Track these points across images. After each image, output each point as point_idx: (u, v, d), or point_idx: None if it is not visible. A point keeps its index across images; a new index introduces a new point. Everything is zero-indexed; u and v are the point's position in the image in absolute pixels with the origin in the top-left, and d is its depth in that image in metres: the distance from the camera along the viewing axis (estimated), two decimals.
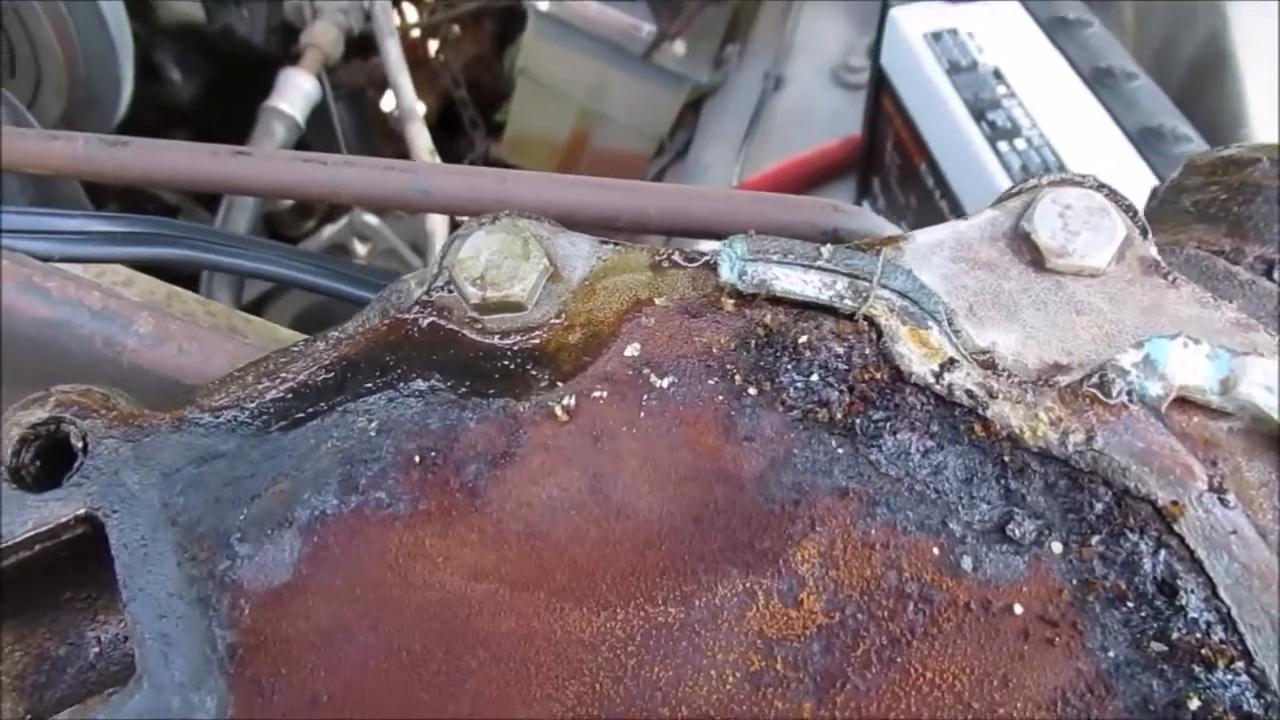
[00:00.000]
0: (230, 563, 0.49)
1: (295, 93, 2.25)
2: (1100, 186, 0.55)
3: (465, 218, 0.70)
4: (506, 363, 0.53)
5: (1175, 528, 0.46)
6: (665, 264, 0.55)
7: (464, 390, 0.52)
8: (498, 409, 0.51)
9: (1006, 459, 0.48)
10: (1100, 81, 1.42)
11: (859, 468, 0.49)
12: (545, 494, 0.49)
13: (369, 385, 0.53)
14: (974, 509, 0.48)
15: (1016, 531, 0.47)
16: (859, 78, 2.15)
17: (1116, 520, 0.47)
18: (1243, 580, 0.45)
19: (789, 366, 0.51)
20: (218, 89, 2.49)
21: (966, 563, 0.47)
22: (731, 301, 0.53)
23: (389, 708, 0.46)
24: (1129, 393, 0.49)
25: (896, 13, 1.65)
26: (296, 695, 0.47)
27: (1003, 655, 0.45)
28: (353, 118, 2.73)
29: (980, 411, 0.49)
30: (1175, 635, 0.44)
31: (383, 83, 2.69)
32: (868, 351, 0.51)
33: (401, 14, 3.05)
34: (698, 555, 0.48)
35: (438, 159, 2.24)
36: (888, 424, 0.50)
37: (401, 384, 0.53)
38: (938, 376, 0.50)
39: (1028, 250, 0.54)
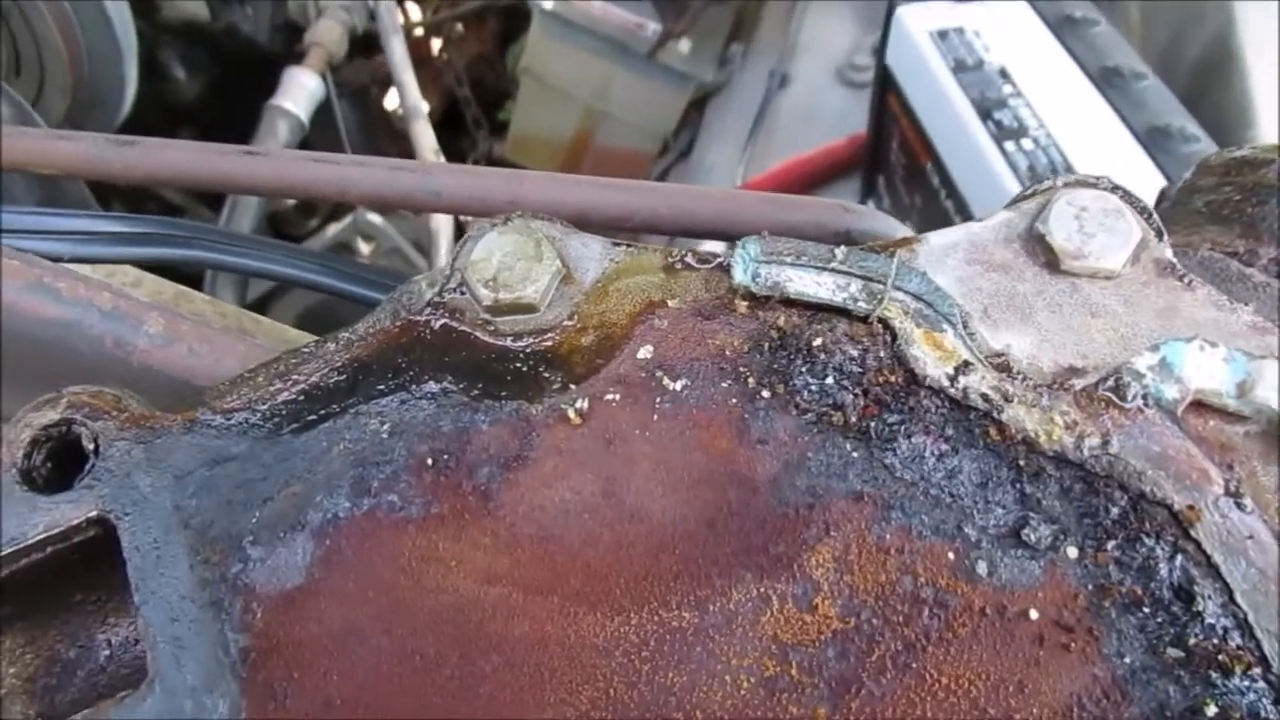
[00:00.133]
0: (243, 565, 0.49)
1: (299, 91, 2.25)
2: (1115, 188, 0.54)
3: (471, 218, 0.70)
4: (519, 365, 0.53)
5: (1192, 533, 0.46)
6: (678, 266, 0.55)
7: (476, 392, 0.52)
8: (510, 411, 0.51)
9: (1022, 463, 0.48)
10: (1108, 81, 1.42)
11: (873, 471, 0.49)
12: (558, 497, 0.49)
13: (381, 387, 0.53)
14: (989, 513, 0.48)
15: (1032, 536, 0.47)
16: (864, 76, 2.15)
17: (1132, 525, 0.46)
18: (1259, 585, 0.45)
19: (803, 369, 0.51)
20: (222, 87, 2.49)
21: (982, 567, 0.46)
22: (745, 304, 0.53)
23: (402, 712, 0.46)
24: (1145, 396, 0.49)
25: (902, 11, 1.64)
26: (309, 699, 0.46)
27: (1018, 661, 0.45)
28: (357, 116, 2.73)
29: (995, 415, 0.49)
30: (1192, 641, 0.44)
31: (386, 81, 2.69)
32: (882, 354, 0.51)
33: (405, 12, 3.04)
34: (712, 559, 0.48)
35: (442, 158, 2.24)
36: (902, 427, 0.49)
37: (414, 386, 0.52)
38: (952, 380, 0.50)
39: (1042, 252, 0.53)
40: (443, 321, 0.54)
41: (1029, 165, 1.38)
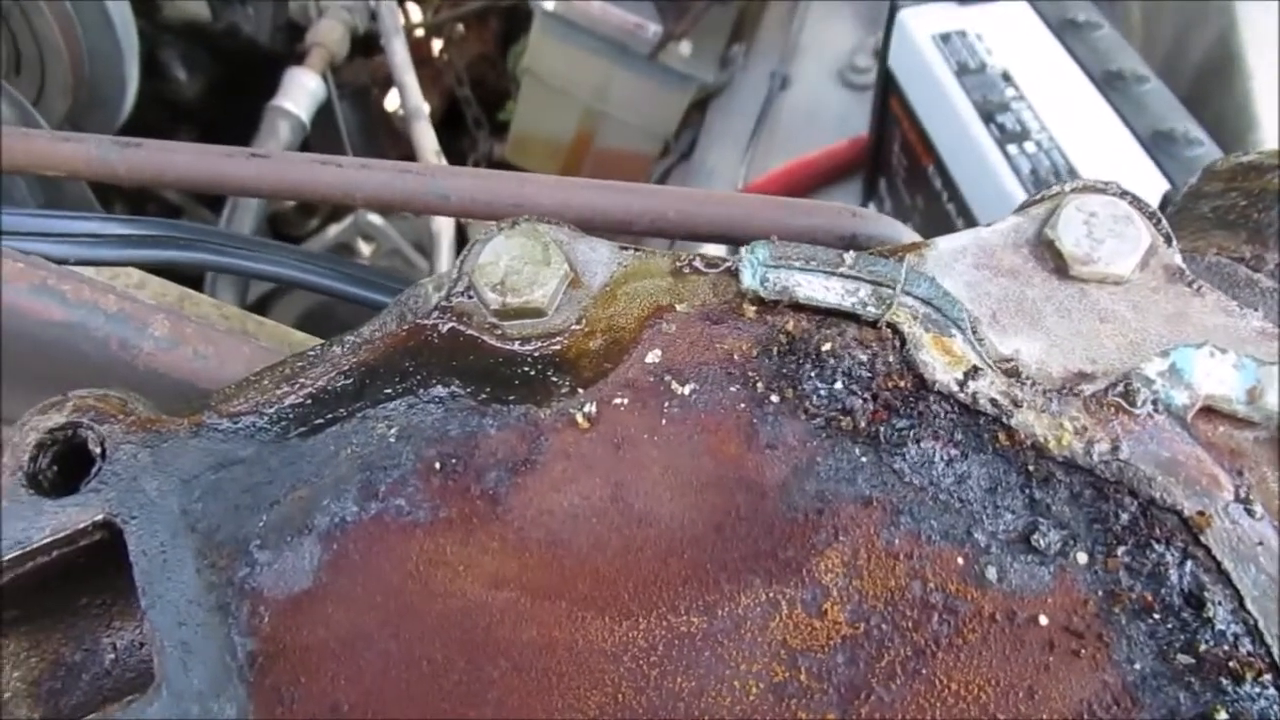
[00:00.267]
0: (250, 570, 0.49)
1: (300, 92, 2.25)
2: (1124, 193, 0.54)
3: (472, 220, 0.70)
4: (527, 369, 0.53)
5: (1202, 539, 0.46)
6: (686, 270, 0.55)
7: (484, 397, 0.52)
8: (518, 416, 0.51)
9: (1031, 468, 0.48)
10: (1110, 84, 1.42)
11: (883, 476, 0.49)
12: (566, 502, 0.49)
13: (388, 391, 0.53)
14: (998, 519, 0.47)
15: (1041, 542, 0.47)
16: (865, 78, 2.15)
17: (1142, 531, 0.46)
18: (1270, 592, 0.45)
19: (812, 374, 0.51)
20: (223, 88, 2.49)
21: (991, 573, 0.46)
22: (753, 308, 0.53)
23: (409, 717, 0.46)
24: (1154, 402, 0.49)
25: (905, 14, 1.64)
26: (316, 704, 0.46)
27: (1028, 667, 0.45)
28: (357, 117, 2.73)
29: (1004, 420, 0.49)
30: (1202, 647, 0.44)
31: (387, 82, 2.69)
32: (891, 359, 0.51)
33: (405, 13, 3.04)
34: (720, 564, 0.48)
35: (443, 159, 2.23)
36: (911, 432, 0.49)
37: (421, 390, 0.52)
38: (962, 385, 0.50)
39: (1051, 257, 0.53)
40: (450, 325, 0.54)
41: (1031, 169, 1.38)
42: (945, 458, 0.49)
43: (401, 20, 2.63)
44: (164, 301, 0.75)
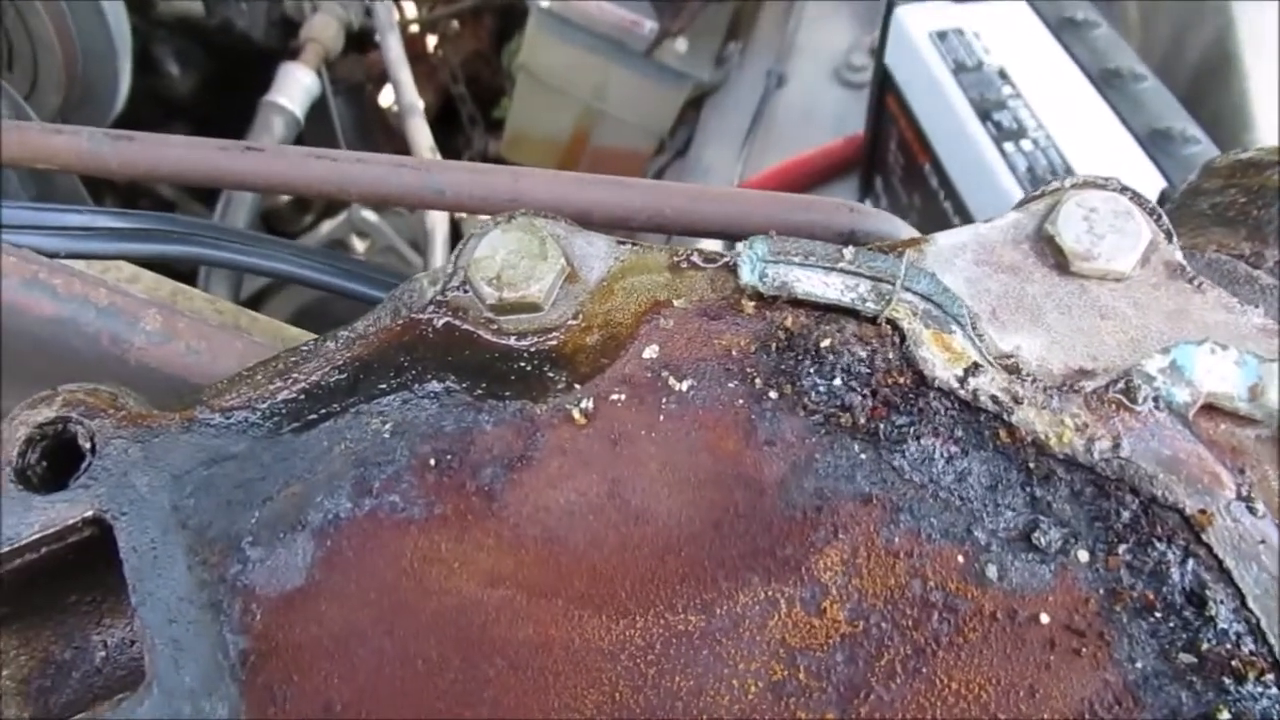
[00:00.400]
0: (242, 567, 0.48)
1: (295, 87, 2.23)
2: (1125, 189, 0.54)
3: (466, 215, 0.69)
4: (523, 364, 0.52)
5: (1203, 537, 0.45)
6: (684, 265, 0.54)
7: (480, 392, 0.51)
8: (514, 411, 0.51)
9: (1032, 465, 0.48)
10: (1108, 83, 1.42)
11: (882, 473, 0.48)
12: (563, 498, 0.49)
13: (383, 386, 0.52)
14: (999, 516, 0.47)
15: (1042, 539, 0.46)
16: (861, 76, 2.14)
17: (1144, 529, 0.46)
18: (1272, 591, 0.45)
19: (811, 370, 0.50)
20: (216, 83, 2.47)
21: (992, 571, 0.46)
22: (752, 304, 0.52)
23: (403, 716, 0.45)
24: (1156, 399, 0.48)
25: (901, 11, 1.64)
26: (309, 702, 0.46)
27: (1029, 665, 0.44)
28: (352, 113, 2.72)
29: (1005, 417, 0.48)
30: (1204, 646, 0.44)
31: (382, 78, 2.67)
32: (891, 355, 0.50)
33: (400, 9, 3.03)
34: (718, 562, 0.47)
35: (438, 155, 2.22)
36: (911, 429, 0.49)
37: (416, 385, 0.52)
38: (962, 381, 0.49)
39: (1052, 253, 0.53)
40: (445, 320, 0.53)
41: (1028, 167, 1.38)
42: (945, 455, 0.48)
43: (396, 16, 2.62)
44: (156, 296, 0.74)
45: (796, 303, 0.52)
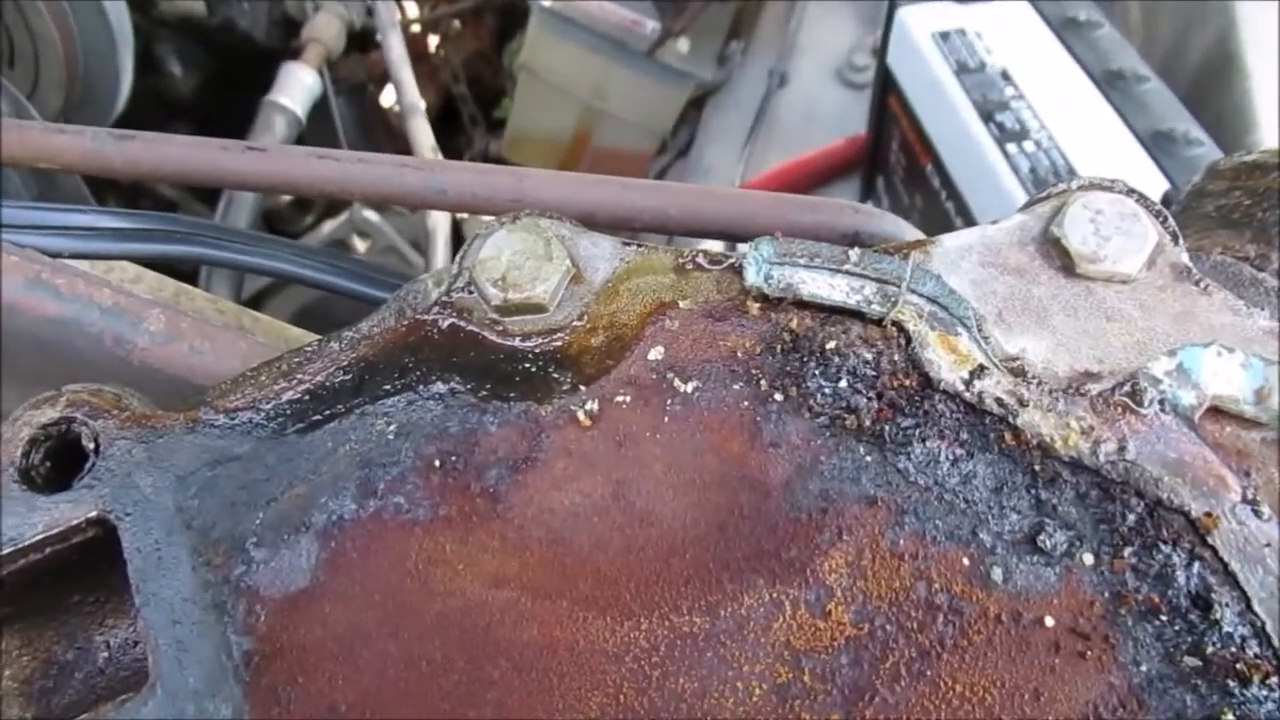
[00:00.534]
0: (246, 568, 0.48)
1: (296, 87, 2.24)
2: (1131, 191, 0.54)
3: (466, 215, 0.69)
4: (528, 365, 0.52)
5: (1209, 540, 0.45)
6: (689, 266, 0.54)
7: (484, 393, 0.51)
8: (519, 413, 0.51)
9: (1037, 468, 0.48)
10: (1111, 84, 1.42)
11: (887, 476, 0.48)
12: (568, 500, 0.49)
13: (387, 387, 0.52)
14: (1004, 519, 0.47)
15: (1047, 542, 0.46)
16: (863, 77, 2.15)
17: (1149, 532, 0.46)
18: (1277, 594, 0.45)
19: (816, 372, 0.50)
20: (218, 83, 2.47)
21: (997, 574, 0.46)
22: (757, 305, 0.52)
23: (408, 717, 0.45)
24: (1161, 402, 0.48)
25: (904, 12, 1.64)
26: (313, 704, 0.46)
27: (1034, 668, 0.44)
28: (353, 112, 2.72)
29: (1010, 420, 0.48)
30: (1209, 650, 0.44)
31: (384, 78, 2.67)
32: (896, 358, 0.50)
33: (402, 9, 3.03)
34: (723, 564, 0.47)
35: (440, 155, 2.22)
36: (917, 431, 0.49)
37: (421, 386, 0.52)
38: (967, 384, 0.49)
39: (1058, 256, 0.53)
40: (450, 321, 0.53)
41: (1031, 168, 1.38)
42: (950, 457, 0.48)
43: (398, 16, 2.62)
44: (159, 296, 0.74)
45: (802, 304, 0.52)
